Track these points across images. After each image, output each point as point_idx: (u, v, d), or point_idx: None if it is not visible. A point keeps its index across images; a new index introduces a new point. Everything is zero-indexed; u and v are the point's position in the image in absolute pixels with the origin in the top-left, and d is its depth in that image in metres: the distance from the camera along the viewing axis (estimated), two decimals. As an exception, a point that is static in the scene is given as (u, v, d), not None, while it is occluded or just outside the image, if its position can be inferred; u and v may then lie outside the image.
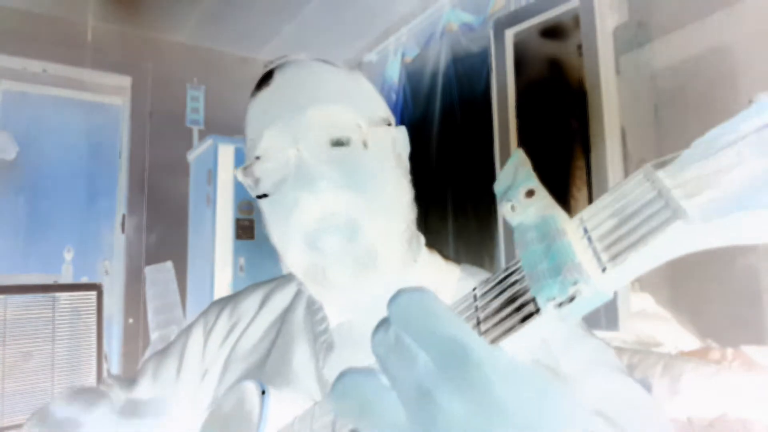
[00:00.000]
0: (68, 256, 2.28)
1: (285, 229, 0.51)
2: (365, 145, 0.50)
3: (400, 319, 0.23)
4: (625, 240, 0.20)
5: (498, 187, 0.26)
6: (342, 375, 0.24)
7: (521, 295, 0.23)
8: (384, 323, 0.24)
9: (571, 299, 0.21)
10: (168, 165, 2.68)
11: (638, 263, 0.20)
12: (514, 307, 0.23)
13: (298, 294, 0.64)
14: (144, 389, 0.64)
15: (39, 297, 1.75)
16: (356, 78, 0.58)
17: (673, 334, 1.30)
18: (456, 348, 0.22)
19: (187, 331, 0.67)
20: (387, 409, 0.23)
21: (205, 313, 0.68)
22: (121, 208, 2.66)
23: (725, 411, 0.90)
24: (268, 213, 0.54)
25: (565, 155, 1.58)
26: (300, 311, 0.61)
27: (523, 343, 0.23)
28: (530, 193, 0.25)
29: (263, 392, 0.40)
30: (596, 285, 0.21)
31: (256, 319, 0.63)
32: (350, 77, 0.57)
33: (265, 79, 0.57)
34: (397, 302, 0.23)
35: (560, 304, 0.21)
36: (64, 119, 2.59)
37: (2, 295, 1.68)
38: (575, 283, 0.21)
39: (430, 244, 0.63)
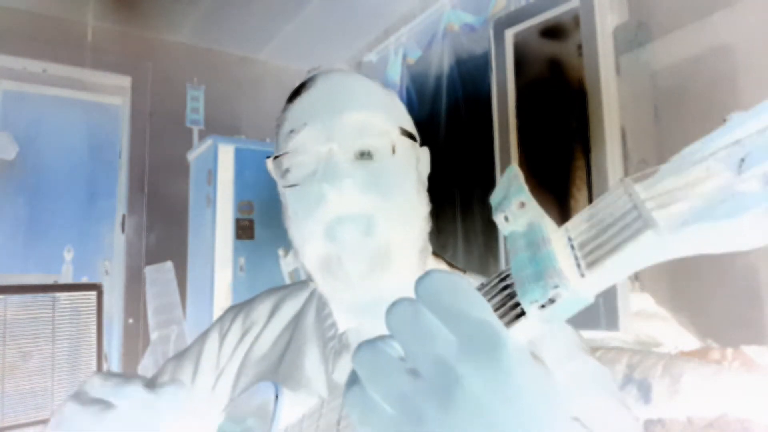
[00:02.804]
0: (68, 256, 2.28)
1: (306, 222, 0.54)
2: (393, 150, 0.53)
3: (430, 296, 0.25)
4: (603, 248, 0.22)
5: (493, 200, 0.29)
6: (361, 344, 0.26)
7: (510, 299, 0.25)
8: (402, 301, 0.26)
9: (552, 301, 0.23)
10: (168, 165, 2.68)
11: (613, 269, 0.22)
12: (504, 310, 0.25)
13: (308, 300, 0.66)
14: None
15: (39, 297, 1.75)
16: (391, 94, 0.62)
17: (673, 334, 1.30)
18: (487, 330, 0.24)
19: (204, 336, 0.69)
20: (399, 376, 0.25)
21: (220, 319, 0.70)
22: (121, 208, 2.66)
23: (725, 411, 0.90)
24: (292, 204, 0.56)
25: (565, 155, 1.58)
26: (310, 317, 0.63)
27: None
28: (521, 205, 0.27)
29: (277, 394, 0.44)
30: (575, 289, 0.23)
31: (268, 325, 0.66)
32: (386, 92, 0.61)
33: (308, 82, 0.59)
34: (428, 280, 0.25)
35: (542, 306, 0.23)
36: (64, 119, 2.59)
37: (2, 295, 1.68)
38: (556, 287, 0.23)
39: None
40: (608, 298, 1.33)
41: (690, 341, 1.27)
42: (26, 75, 2.50)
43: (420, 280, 0.25)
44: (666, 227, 0.21)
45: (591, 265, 0.23)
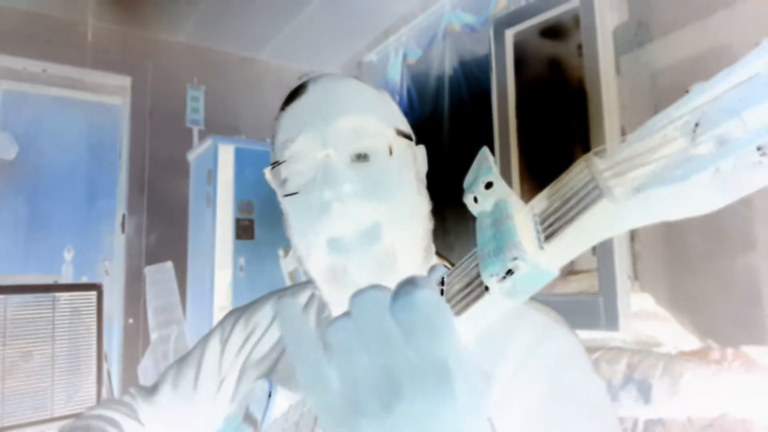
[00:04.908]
0: (68, 256, 2.28)
1: (310, 231, 0.53)
2: (390, 151, 0.53)
3: (406, 309, 0.25)
4: (561, 220, 0.23)
5: (465, 182, 0.29)
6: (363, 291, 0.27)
7: (477, 277, 0.25)
8: (375, 292, 0.27)
9: (511, 273, 0.23)
10: (168, 165, 2.68)
11: (572, 240, 0.22)
12: (470, 288, 0.26)
13: (309, 302, 0.66)
14: (164, 397, 0.67)
15: (39, 297, 1.75)
16: (383, 96, 0.61)
17: (673, 334, 1.30)
18: (441, 370, 0.25)
19: (205, 340, 0.69)
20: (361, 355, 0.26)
21: (221, 323, 0.70)
22: (121, 208, 2.66)
23: (725, 411, 0.90)
24: (293, 214, 0.55)
25: (565, 155, 1.58)
26: (311, 319, 0.63)
27: (476, 319, 0.26)
28: (489, 185, 0.27)
29: (270, 390, 0.45)
30: (535, 261, 0.23)
31: (270, 328, 0.66)
32: (378, 94, 0.60)
33: (300, 89, 0.59)
34: (411, 296, 0.25)
35: (503, 279, 0.23)
36: (64, 119, 2.59)
37: (2, 295, 1.68)
38: (514, 259, 0.23)
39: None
40: (608, 298, 1.33)
41: (690, 341, 1.27)
42: (26, 75, 2.50)
43: (404, 290, 0.25)
44: (621, 194, 0.21)
45: (549, 237, 0.23)
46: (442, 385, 0.24)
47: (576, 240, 0.22)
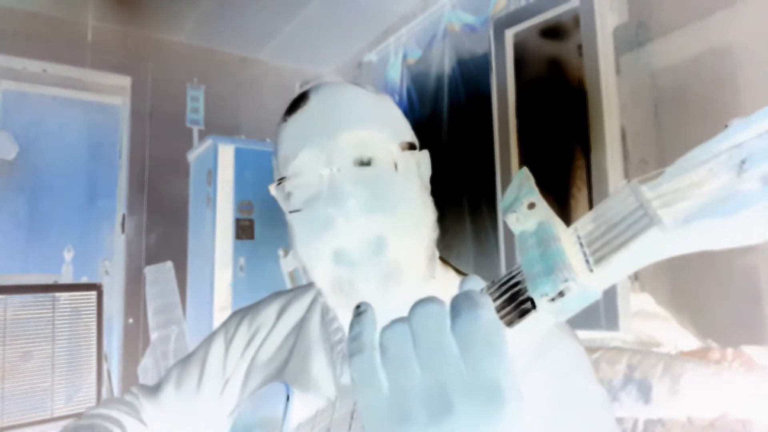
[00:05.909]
0: (68, 256, 2.28)
1: (315, 245, 0.53)
2: (396, 167, 0.53)
3: (468, 327, 0.26)
4: (611, 244, 0.24)
5: (504, 201, 0.30)
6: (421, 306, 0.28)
7: (520, 295, 0.26)
8: (432, 306, 0.28)
9: (562, 295, 0.24)
10: (168, 165, 2.68)
11: (621, 264, 0.23)
12: (514, 305, 0.27)
13: (312, 304, 0.66)
14: (168, 397, 0.67)
15: (39, 297, 1.75)
16: (385, 102, 0.60)
17: (673, 334, 1.30)
18: (495, 391, 0.26)
19: (209, 340, 0.69)
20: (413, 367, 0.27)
21: (225, 324, 0.70)
22: (121, 208, 2.66)
23: (725, 411, 0.90)
24: (298, 228, 0.55)
25: (565, 155, 1.58)
26: (315, 321, 0.63)
27: (521, 336, 0.26)
28: (532, 206, 0.28)
29: (288, 394, 0.46)
30: (584, 283, 0.24)
31: (274, 329, 0.66)
32: (380, 102, 0.59)
33: (301, 100, 0.58)
34: (475, 315, 0.26)
35: (553, 299, 0.24)
36: (64, 119, 2.60)
37: (2, 295, 1.68)
38: (566, 280, 0.24)
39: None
40: (608, 298, 1.33)
41: (690, 341, 1.27)
42: (26, 75, 2.50)
43: (466, 306, 0.26)
44: (671, 224, 0.22)
45: (599, 260, 0.24)
46: (493, 405, 0.25)
47: (624, 264, 0.23)
